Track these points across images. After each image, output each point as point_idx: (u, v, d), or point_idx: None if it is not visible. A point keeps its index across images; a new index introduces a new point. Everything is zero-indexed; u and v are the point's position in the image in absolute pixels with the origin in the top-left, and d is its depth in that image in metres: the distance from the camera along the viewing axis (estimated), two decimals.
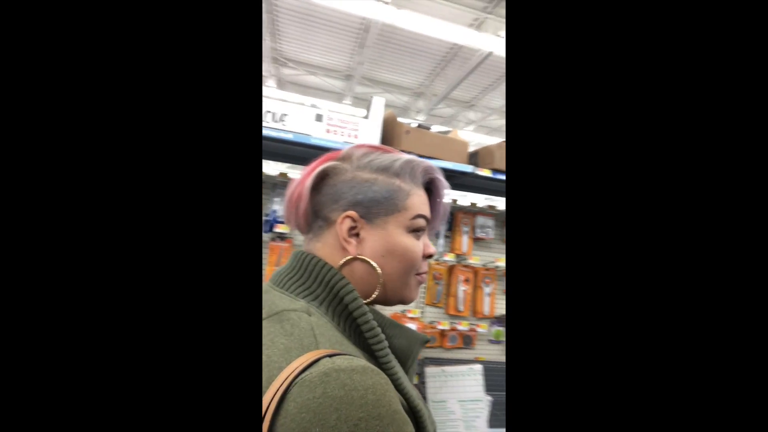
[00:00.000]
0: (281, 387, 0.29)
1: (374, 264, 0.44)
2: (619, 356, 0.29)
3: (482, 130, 6.87)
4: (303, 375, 0.30)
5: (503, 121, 6.16)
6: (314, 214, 0.46)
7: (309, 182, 0.45)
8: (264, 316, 0.40)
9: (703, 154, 0.29)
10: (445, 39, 4.00)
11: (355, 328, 0.42)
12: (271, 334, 0.37)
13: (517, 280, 0.31)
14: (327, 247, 0.45)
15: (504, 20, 3.71)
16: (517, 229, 0.32)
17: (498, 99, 5.73)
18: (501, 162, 1.41)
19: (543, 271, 0.30)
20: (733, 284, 0.28)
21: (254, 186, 0.35)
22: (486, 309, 1.69)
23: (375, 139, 1.37)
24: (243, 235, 0.33)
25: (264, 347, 0.35)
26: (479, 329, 1.65)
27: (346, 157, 0.48)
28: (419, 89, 5.80)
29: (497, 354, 1.72)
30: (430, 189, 0.51)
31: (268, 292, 0.45)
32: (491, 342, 1.73)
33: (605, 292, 0.29)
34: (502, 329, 1.71)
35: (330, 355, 0.32)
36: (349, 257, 0.44)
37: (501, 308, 1.72)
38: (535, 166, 0.32)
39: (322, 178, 0.46)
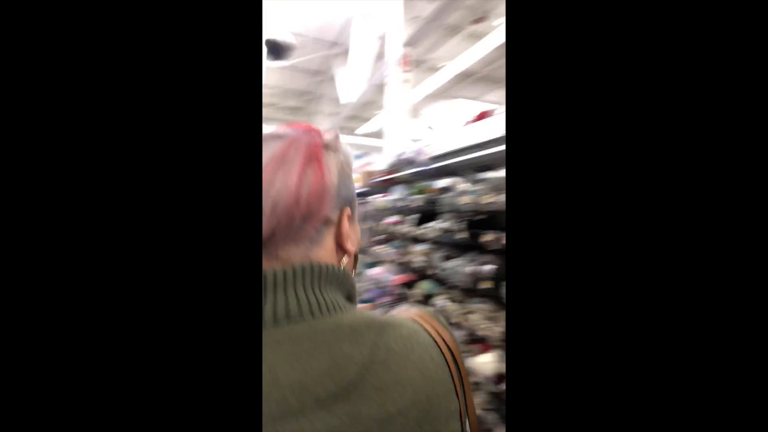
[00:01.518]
0: (442, 331, 0.40)
1: (358, 257, 0.46)
2: (619, 357, 0.29)
3: None
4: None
5: None
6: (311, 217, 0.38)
7: (333, 179, 0.39)
8: (373, 336, 0.35)
9: (697, 156, 0.29)
10: None
11: None
12: (407, 331, 0.37)
13: (517, 281, 0.31)
14: (327, 252, 0.39)
15: None
16: (517, 230, 0.31)
17: None
18: None
19: (542, 272, 0.31)
20: (729, 284, 0.28)
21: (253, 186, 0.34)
22: None
23: None
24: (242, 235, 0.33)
25: (415, 340, 0.37)
26: None
27: (330, 147, 0.41)
28: None
29: None
30: None
31: (343, 312, 0.38)
32: None
33: (605, 294, 0.30)
34: None
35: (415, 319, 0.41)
36: (345, 258, 0.42)
37: None
38: (534, 167, 0.32)
39: None
